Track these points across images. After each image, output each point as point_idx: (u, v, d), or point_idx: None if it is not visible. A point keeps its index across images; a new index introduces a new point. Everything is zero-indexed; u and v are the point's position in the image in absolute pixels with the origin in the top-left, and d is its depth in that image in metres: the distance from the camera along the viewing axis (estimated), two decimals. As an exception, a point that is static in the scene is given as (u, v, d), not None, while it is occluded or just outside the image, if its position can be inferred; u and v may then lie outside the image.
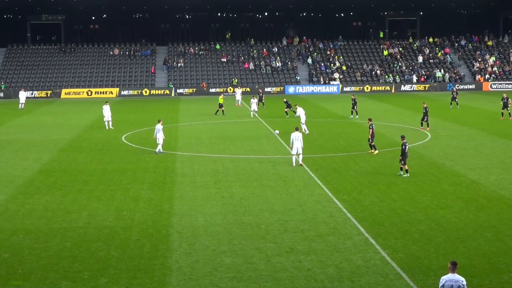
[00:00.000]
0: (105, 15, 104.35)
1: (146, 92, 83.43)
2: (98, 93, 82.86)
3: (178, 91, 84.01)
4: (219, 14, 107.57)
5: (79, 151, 39.26)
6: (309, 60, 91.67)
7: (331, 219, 23.83)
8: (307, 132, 44.17)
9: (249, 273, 18.44)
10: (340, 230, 22.42)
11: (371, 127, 36.92)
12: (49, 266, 19.20)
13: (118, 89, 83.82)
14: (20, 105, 67.45)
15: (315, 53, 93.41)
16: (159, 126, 37.48)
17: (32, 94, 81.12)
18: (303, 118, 44.80)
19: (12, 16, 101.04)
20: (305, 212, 24.83)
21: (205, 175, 31.75)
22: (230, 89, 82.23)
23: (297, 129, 33.53)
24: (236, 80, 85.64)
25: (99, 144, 42.04)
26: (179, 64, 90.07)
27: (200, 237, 21.74)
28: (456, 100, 62.04)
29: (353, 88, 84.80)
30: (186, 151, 38.92)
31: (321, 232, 22.20)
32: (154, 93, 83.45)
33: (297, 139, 32.80)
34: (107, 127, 48.66)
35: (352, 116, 54.55)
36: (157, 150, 37.48)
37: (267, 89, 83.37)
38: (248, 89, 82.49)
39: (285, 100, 57.56)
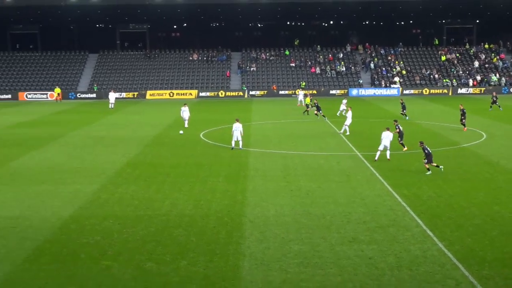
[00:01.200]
0: (185, 24, 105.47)
1: (222, 93, 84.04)
2: (179, 95, 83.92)
3: (251, 93, 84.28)
4: (288, 23, 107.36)
5: (162, 147, 39.83)
6: (371, 65, 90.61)
7: (391, 212, 23.53)
8: (348, 133, 43.61)
9: (315, 260, 18.40)
10: (400, 222, 22.11)
11: (397, 127, 37.19)
12: (135, 249, 19.57)
13: (197, 91, 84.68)
14: (110, 104, 68.91)
15: (377, 59, 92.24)
16: (236, 125, 37.69)
17: (120, 95, 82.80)
18: (348, 121, 44.16)
19: (104, 25, 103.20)
20: (367, 205, 24.58)
21: (275, 169, 31.77)
22: (297, 91, 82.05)
23: (387, 129, 33.70)
24: (304, 83, 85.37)
25: (180, 140, 42.55)
26: (251, 68, 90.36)
27: (271, 226, 21.78)
28: (497, 103, 60.19)
29: (412, 91, 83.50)
30: (258, 147, 39.02)
31: (382, 224, 21.95)
32: (229, 94, 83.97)
33: (386, 137, 33.23)
34: (186, 126, 49.00)
35: (408, 118, 53.49)
36: (233, 146, 37.88)
37: (332, 92, 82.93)
38: (314, 91, 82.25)
39: (315, 101, 56.14)
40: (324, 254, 18.87)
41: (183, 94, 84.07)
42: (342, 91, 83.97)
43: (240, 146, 37.83)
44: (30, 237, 20.85)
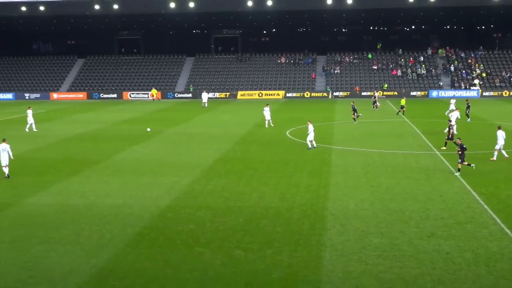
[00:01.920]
0: (274, 30, 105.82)
1: (307, 94, 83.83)
2: (267, 95, 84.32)
3: (335, 94, 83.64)
4: (371, 28, 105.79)
5: (251, 144, 40.15)
6: (452, 68, 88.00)
7: (469, 209, 22.81)
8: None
9: (393, 253, 18.09)
10: (477, 219, 21.41)
11: (451, 127, 36.37)
12: (225, 237, 19.82)
13: (284, 91, 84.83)
14: (203, 104, 70.10)
15: (457, 61, 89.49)
16: (310, 127, 37.31)
17: (213, 95, 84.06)
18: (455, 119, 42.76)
19: (200, 31, 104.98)
20: (445, 202, 23.94)
21: (356, 166, 31.43)
22: (380, 93, 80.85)
23: (499, 128, 32.88)
24: (386, 85, 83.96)
25: (267, 138, 42.76)
26: (335, 71, 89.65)
27: (351, 219, 21.58)
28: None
29: (492, 93, 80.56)
30: (340, 145, 38.71)
31: (460, 220, 21.31)
32: (314, 95, 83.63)
33: (501, 136, 32.43)
34: (266, 126, 48.75)
35: (469, 119, 51.52)
36: (310, 146, 37.47)
37: (413, 93, 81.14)
38: (395, 92, 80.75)
39: (352, 103, 54.05)
40: (403, 248, 18.53)
41: (271, 94, 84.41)
42: (423, 93, 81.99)
43: (315, 145, 37.46)
44: (131, 224, 21.51)
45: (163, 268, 17.15)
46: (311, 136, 37.15)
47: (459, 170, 28.94)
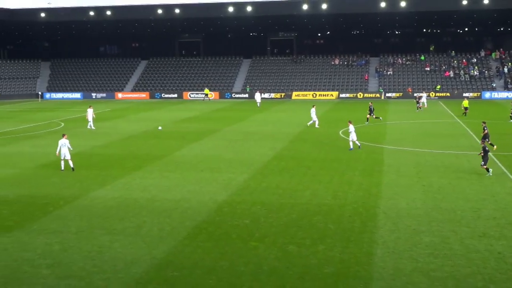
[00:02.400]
0: (328, 32, 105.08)
1: (360, 95, 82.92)
2: (321, 96, 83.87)
3: (387, 94, 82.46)
4: (424, 30, 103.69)
5: (304, 142, 39.98)
6: (505, 69, 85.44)
7: (522, 210, 22.08)
8: None
9: (444, 251, 17.65)
10: (530, 220, 20.70)
11: (485, 128, 35.35)
12: (279, 233, 19.77)
13: (337, 92, 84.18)
14: (257, 103, 70.41)
15: (511, 63, 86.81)
16: (351, 127, 36.59)
17: (269, 95, 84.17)
18: None
19: (256, 33, 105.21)
20: (497, 202, 23.23)
21: (408, 166, 30.86)
22: (432, 94, 79.30)
23: None
24: (439, 86, 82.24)
25: (320, 137, 42.50)
26: (388, 72, 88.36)
27: (403, 218, 21.18)
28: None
29: (546, 94, 77.96)
30: (392, 145, 38.10)
31: (512, 221, 20.67)
32: (367, 96, 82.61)
33: None
34: (317, 125, 48.19)
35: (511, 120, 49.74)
36: (351, 146, 36.50)
37: (465, 94, 79.10)
38: (448, 94, 79.01)
39: (370, 104, 52.32)
40: (454, 247, 18.06)
41: (325, 95, 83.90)
42: (475, 94, 79.90)
43: (359, 144, 36.70)
44: (190, 217, 21.71)
45: (219, 261, 17.23)
46: (353, 136, 36.30)
47: (488, 170, 28.24)
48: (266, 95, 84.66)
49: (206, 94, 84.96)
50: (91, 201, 24.30)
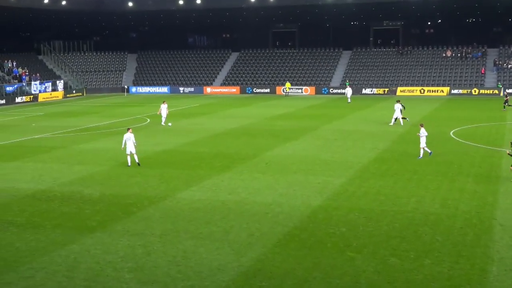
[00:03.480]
0: (439, 20, 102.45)
1: (475, 91, 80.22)
2: (430, 91, 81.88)
3: (507, 91, 79.21)
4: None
5: (410, 143, 38.84)
6: None
7: None
8: None
9: None
10: None
11: None
12: (379, 243, 19.47)
13: (448, 88, 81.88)
14: (347, 99, 70.13)
15: None
16: (423, 131, 34.14)
17: (371, 91, 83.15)
18: None
19: (358, 23, 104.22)
20: None
21: (530, 172, 29.54)
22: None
23: None
24: None
25: (428, 138, 41.29)
26: (509, 66, 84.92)
27: (523, 232, 20.30)
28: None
29: None
30: (512, 148, 36.57)
31: None
32: (482, 92, 79.80)
33: None
34: (402, 123, 47.30)
35: None
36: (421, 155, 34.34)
37: None
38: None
39: (398, 101, 49.28)
40: None
41: (434, 91, 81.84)
42: None
43: (429, 151, 34.26)
44: (281, 223, 21.79)
45: (312, 271, 17.18)
46: (423, 143, 33.96)
47: None
48: (367, 91, 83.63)
49: (287, 88, 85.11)
50: (177, 203, 24.91)
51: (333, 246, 19.30)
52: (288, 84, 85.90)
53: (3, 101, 74.95)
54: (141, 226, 21.77)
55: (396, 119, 48.01)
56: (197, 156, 35.41)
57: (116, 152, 36.86)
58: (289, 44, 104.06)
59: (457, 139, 40.64)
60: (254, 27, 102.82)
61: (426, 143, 34.20)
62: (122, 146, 32.61)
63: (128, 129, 33.23)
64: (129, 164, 32.43)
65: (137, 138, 33.93)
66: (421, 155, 33.96)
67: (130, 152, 32.27)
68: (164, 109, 50.38)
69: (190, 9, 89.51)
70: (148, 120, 54.49)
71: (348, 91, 72.05)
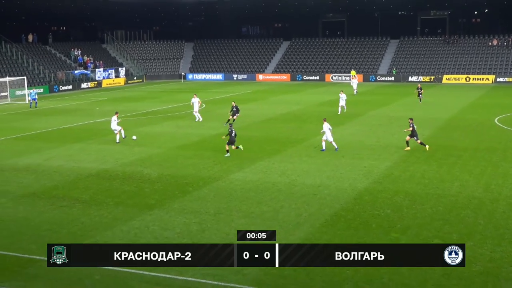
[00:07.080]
0: (486, 10, 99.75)
1: (520, 79, 78.09)
2: (475, 79, 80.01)
3: (552, 79, 76.89)
4: None
5: (455, 130, 38.50)
6: None
7: None
8: None
9: None
10: None
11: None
12: (423, 225, 19.30)
13: (494, 76, 79.82)
14: (354, 91, 67.05)
15: None
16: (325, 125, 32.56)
17: (417, 78, 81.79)
18: None
19: (405, 12, 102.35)
20: None
21: None
22: None
23: None
24: None
25: (473, 124, 40.67)
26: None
27: None
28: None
29: None
30: (557, 135, 35.57)
31: None
32: (528, 80, 77.60)
33: None
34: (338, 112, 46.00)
35: None
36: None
37: None
38: None
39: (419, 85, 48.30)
40: None
41: (480, 79, 79.91)
42: None
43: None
44: (328, 204, 21.80)
45: (358, 251, 17.13)
46: (329, 137, 31.63)
47: None
48: (414, 78, 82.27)
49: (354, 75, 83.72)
50: (230, 183, 25.15)
51: (377, 227, 19.22)
52: (353, 72, 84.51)
53: (70, 87, 76.62)
54: (196, 204, 22.09)
55: (341, 107, 47.49)
56: (250, 140, 35.56)
57: (173, 135, 37.32)
58: (338, 33, 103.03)
59: (502, 126, 39.73)
60: (305, 17, 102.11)
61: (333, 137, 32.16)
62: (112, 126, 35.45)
63: (116, 112, 36.48)
64: (118, 141, 35.13)
65: (192, 123, 34.23)
66: (323, 147, 31.78)
67: (118, 130, 35.31)
68: (196, 103, 44.08)
69: (244, 0, 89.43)
70: (204, 105, 54.92)
71: (354, 82, 67.95)
